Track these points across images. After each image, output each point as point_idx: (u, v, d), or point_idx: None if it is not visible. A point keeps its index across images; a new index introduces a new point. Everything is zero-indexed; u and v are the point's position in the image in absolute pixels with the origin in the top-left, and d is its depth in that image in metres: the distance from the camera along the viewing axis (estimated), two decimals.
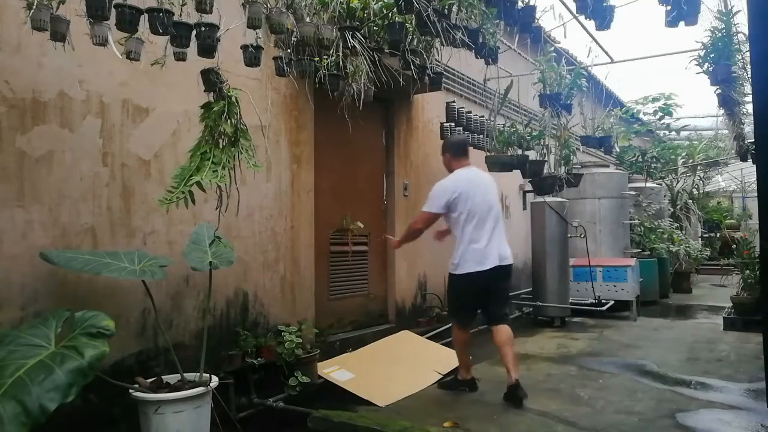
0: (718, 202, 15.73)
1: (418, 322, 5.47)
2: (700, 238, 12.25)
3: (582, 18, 4.19)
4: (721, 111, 6.50)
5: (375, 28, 4.02)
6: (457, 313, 4.19)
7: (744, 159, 7.48)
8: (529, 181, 6.36)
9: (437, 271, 5.97)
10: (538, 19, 4.05)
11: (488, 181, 4.14)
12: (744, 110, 6.31)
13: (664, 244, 9.31)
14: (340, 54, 3.55)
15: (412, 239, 4.28)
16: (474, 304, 4.11)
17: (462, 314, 4.16)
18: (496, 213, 4.03)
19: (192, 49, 2.55)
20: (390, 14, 3.91)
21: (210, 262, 3.12)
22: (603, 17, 3.56)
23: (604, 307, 7.01)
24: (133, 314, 3.15)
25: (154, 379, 2.88)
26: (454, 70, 6.14)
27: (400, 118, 5.54)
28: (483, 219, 3.94)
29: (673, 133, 12.68)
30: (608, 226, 8.29)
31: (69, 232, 2.89)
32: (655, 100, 11.87)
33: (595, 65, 7.14)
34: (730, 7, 5.13)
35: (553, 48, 6.10)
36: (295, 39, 3.20)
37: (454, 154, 4.19)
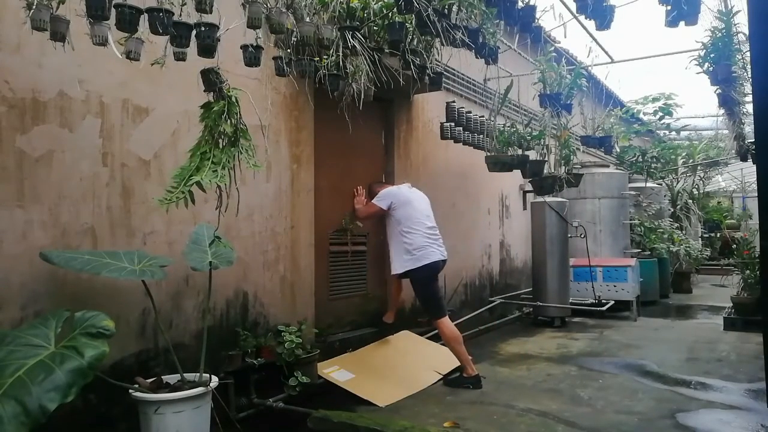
0: (719, 202, 15.73)
1: (418, 322, 5.46)
2: (700, 238, 12.24)
3: (582, 18, 4.19)
4: (722, 111, 6.50)
5: (375, 28, 4.01)
6: (440, 304, 4.48)
7: (744, 159, 7.48)
8: (529, 181, 6.36)
9: None
10: (538, 19, 4.05)
11: (422, 195, 4.81)
12: (744, 110, 6.31)
13: (664, 244, 9.31)
14: (340, 54, 3.55)
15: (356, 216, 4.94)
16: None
17: (443, 304, 4.53)
18: (432, 217, 4.72)
19: (192, 49, 2.55)
20: (390, 14, 3.91)
21: (210, 262, 3.12)
22: (603, 17, 3.56)
23: (605, 307, 7.01)
24: (133, 314, 3.15)
25: (153, 379, 2.88)
26: (454, 70, 6.13)
27: (400, 118, 5.54)
28: (422, 220, 4.57)
29: (673, 133, 12.68)
30: (608, 226, 8.29)
31: (69, 232, 2.89)
32: (655, 100, 11.87)
33: (595, 65, 7.14)
34: (730, 7, 5.14)
35: (553, 48, 6.10)
36: (295, 39, 3.20)
37: (382, 185, 4.95)
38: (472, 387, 4.18)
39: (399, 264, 4.49)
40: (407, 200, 4.60)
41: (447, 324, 4.39)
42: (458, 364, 4.43)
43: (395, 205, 4.58)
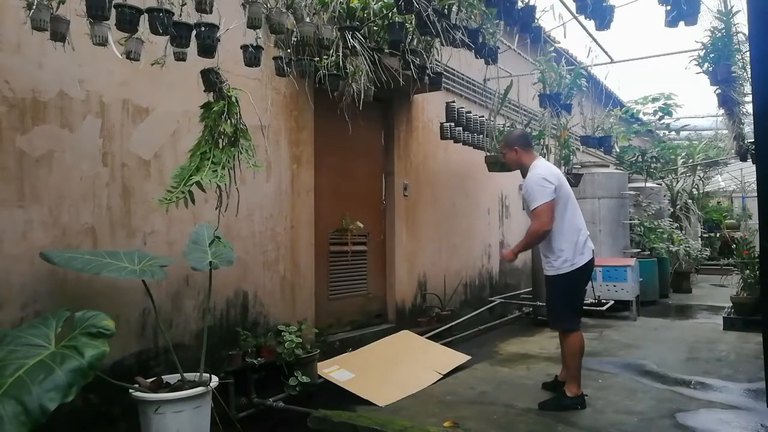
0: (718, 202, 15.72)
1: (418, 322, 5.47)
2: (699, 238, 12.24)
3: (582, 18, 4.19)
4: (721, 111, 6.51)
5: (375, 28, 4.02)
6: (577, 314, 3.83)
7: (744, 159, 7.49)
8: None
9: (437, 271, 5.98)
10: (538, 19, 4.05)
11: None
12: (744, 110, 6.32)
13: (663, 244, 9.31)
14: (340, 54, 3.56)
15: (537, 243, 3.82)
16: (576, 300, 3.84)
17: (579, 313, 3.86)
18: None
19: (192, 49, 2.55)
20: (390, 14, 3.91)
21: (210, 262, 3.12)
22: (603, 17, 3.57)
23: (604, 307, 7.00)
24: (133, 314, 3.15)
25: (154, 378, 2.88)
26: (454, 70, 6.14)
27: (400, 118, 5.55)
28: (576, 207, 3.80)
29: (673, 133, 12.68)
30: (608, 226, 8.29)
31: (69, 232, 2.89)
32: (654, 100, 11.86)
33: (594, 65, 7.15)
34: (730, 7, 5.15)
35: (552, 48, 6.11)
36: (295, 39, 3.20)
37: (524, 146, 3.91)
38: (580, 407, 3.63)
39: (556, 264, 3.72)
40: (561, 182, 3.68)
41: (577, 335, 3.76)
42: (458, 364, 4.41)
43: (557, 185, 3.65)
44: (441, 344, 5.10)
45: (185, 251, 3.18)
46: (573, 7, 3.86)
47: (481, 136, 5.94)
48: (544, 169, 3.75)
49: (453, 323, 5.70)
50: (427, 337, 5.16)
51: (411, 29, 3.95)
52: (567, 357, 3.76)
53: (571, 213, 3.73)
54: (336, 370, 4.06)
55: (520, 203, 8.01)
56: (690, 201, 11.69)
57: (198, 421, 2.75)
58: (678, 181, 11.78)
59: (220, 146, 2.60)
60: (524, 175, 3.87)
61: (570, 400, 3.65)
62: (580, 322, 3.84)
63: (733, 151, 8.14)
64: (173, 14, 2.44)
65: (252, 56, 2.81)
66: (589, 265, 3.77)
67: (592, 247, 3.84)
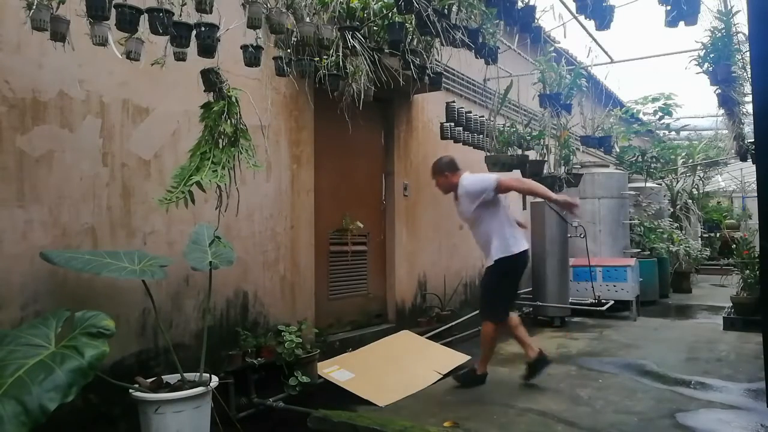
0: (718, 202, 15.72)
1: (418, 322, 5.47)
2: (699, 238, 12.24)
3: (582, 18, 4.19)
4: (721, 111, 6.50)
5: (375, 28, 4.02)
6: (501, 304, 4.23)
7: (744, 159, 7.49)
8: None
9: (437, 271, 5.98)
10: (538, 19, 4.05)
11: None
12: (744, 110, 6.32)
13: (663, 244, 9.30)
14: (340, 54, 3.56)
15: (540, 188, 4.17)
16: (513, 291, 4.35)
17: (504, 304, 4.26)
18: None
19: (192, 49, 2.55)
20: (390, 14, 3.91)
21: (210, 262, 3.12)
22: (603, 17, 3.57)
23: (604, 307, 7.01)
24: (133, 314, 3.15)
25: (154, 378, 2.88)
26: (454, 70, 6.14)
27: (400, 118, 5.55)
28: (505, 207, 4.27)
29: (673, 133, 12.68)
30: (608, 226, 8.29)
31: (69, 232, 2.89)
32: (654, 100, 11.86)
33: (594, 65, 7.15)
34: (730, 7, 5.15)
35: (552, 48, 6.11)
36: (295, 39, 3.20)
37: (453, 170, 4.30)
38: (480, 384, 4.20)
39: (496, 252, 4.11)
40: None
41: (491, 326, 4.25)
42: (458, 364, 4.44)
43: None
44: (441, 344, 5.10)
45: (185, 251, 3.18)
46: (573, 7, 3.86)
47: (481, 136, 5.94)
48: (475, 176, 4.25)
49: (453, 323, 5.70)
50: (427, 337, 5.16)
51: (411, 29, 3.95)
52: (481, 343, 4.27)
53: (500, 213, 4.18)
54: (336, 370, 4.06)
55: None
56: (690, 201, 11.69)
57: (198, 421, 2.75)
58: (678, 181, 11.78)
59: (220, 146, 2.60)
60: (456, 190, 4.28)
61: (475, 377, 4.21)
62: (505, 316, 4.23)
63: (733, 151, 8.14)
64: (173, 14, 2.44)
65: (252, 56, 2.81)
66: (522, 257, 4.20)
67: (526, 247, 4.27)
